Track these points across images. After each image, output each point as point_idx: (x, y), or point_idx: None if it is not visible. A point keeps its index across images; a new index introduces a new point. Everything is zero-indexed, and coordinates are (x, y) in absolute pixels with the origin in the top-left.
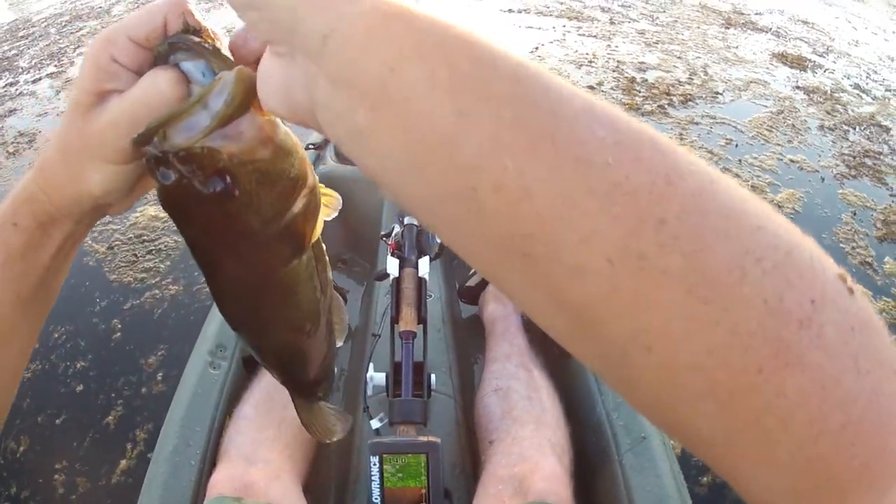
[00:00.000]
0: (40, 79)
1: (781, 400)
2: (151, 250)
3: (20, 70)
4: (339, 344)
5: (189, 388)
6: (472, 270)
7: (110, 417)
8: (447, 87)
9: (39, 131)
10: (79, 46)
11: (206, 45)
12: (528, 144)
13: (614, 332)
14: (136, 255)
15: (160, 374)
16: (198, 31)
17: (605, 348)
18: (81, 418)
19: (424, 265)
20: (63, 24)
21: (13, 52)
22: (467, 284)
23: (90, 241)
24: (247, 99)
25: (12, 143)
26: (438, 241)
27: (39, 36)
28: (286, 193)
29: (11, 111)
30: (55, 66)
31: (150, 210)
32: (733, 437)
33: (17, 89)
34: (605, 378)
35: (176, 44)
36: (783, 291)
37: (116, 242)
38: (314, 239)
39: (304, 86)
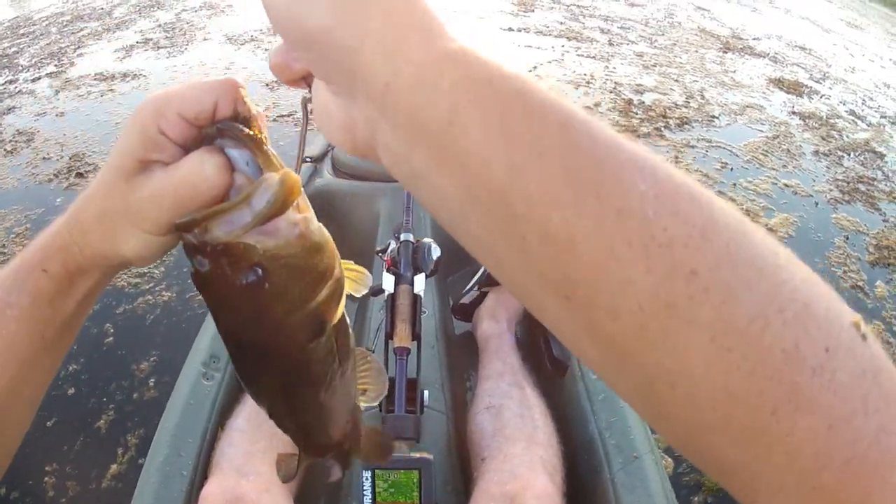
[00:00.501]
0: (40, 78)
1: (790, 438)
2: None
3: (20, 68)
4: (374, 404)
5: (182, 398)
6: (467, 288)
7: (101, 422)
8: (501, 141)
9: (38, 130)
10: (79, 47)
11: (254, 138)
12: (574, 198)
13: (642, 368)
14: None
15: (152, 380)
16: (247, 119)
17: (634, 381)
18: (73, 422)
19: (420, 282)
20: (64, 23)
21: (13, 49)
22: (461, 301)
23: None
24: (288, 202)
25: (10, 141)
26: (434, 258)
27: (40, 34)
28: (313, 285)
29: (10, 109)
30: (55, 65)
31: None
32: (747, 466)
33: (16, 87)
34: (637, 410)
35: (225, 131)
36: (800, 340)
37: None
38: (336, 321)
39: (365, 126)
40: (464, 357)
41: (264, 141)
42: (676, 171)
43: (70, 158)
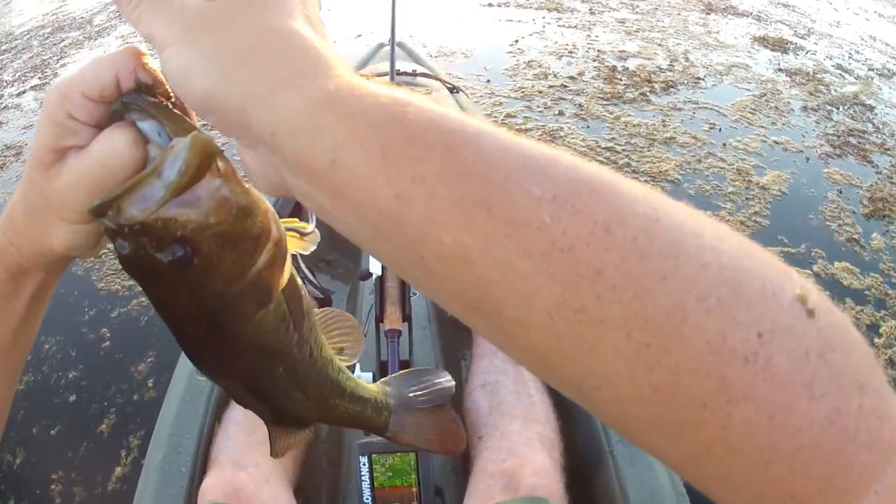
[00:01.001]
0: (25, 91)
1: (728, 432)
2: None
3: (4, 83)
4: (354, 362)
5: (177, 395)
6: None
7: (104, 426)
8: (382, 172)
9: (26, 144)
10: (62, 58)
11: (159, 105)
12: (463, 218)
13: (567, 374)
14: None
15: (150, 380)
16: (151, 86)
17: (564, 384)
18: (75, 428)
19: None
20: (45, 35)
21: None
22: None
23: None
24: (202, 166)
25: None
26: None
27: (22, 49)
28: (248, 252)
29: None
30: (39, 77)
31: None
32: (692, 461)
33: (1, 103)
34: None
35: (129, 104)
36: (726, 329)
37: (104, 251)
38: (282, 285)
39: (275, 171)
40: (457, 336)
41: (172, 107)
42: (580, 167)
43: None
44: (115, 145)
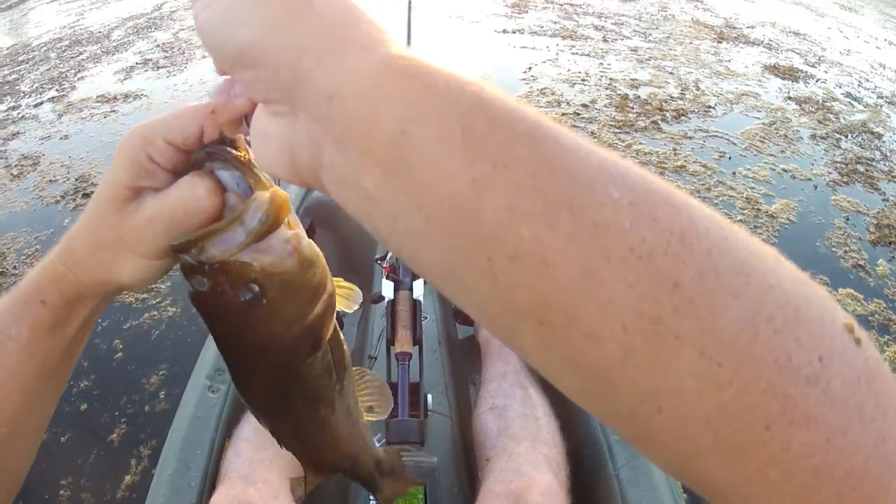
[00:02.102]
0: (42, 103)
1: (786, 454)
2: None
3: (22, 94)
4: (383, 417)
5: (188, 411)
6: None
7: (114, 435)
8: (461, 152)
9: (43, 154)
10: (80, 71)
11: (242, 159)
12: (545, 213)
13: (626, 394)
14: None
15: (162, 392)
16: (233, 140)
17: (616, 408)
18: (86, 436)
19: (419, 287)
20: (63, 48)
21: (14, 76)
22: None
23: None
24: (280, 218)
25: (16, 165)
26: None
27: (40, 60)
28: (308, 299)
29: (14, 134)
30: (56, 90)
31: None
32: (740, 487)
33: (19, 113)
34: (618, 433)
35: (214, 154)
36: (792, 350)
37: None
38: (329, 335)
39: (308, 147)
40: (466, 360)
41: (252, 161)
42: (650, 176)
43: (76, 180)
44: (197, 191)
